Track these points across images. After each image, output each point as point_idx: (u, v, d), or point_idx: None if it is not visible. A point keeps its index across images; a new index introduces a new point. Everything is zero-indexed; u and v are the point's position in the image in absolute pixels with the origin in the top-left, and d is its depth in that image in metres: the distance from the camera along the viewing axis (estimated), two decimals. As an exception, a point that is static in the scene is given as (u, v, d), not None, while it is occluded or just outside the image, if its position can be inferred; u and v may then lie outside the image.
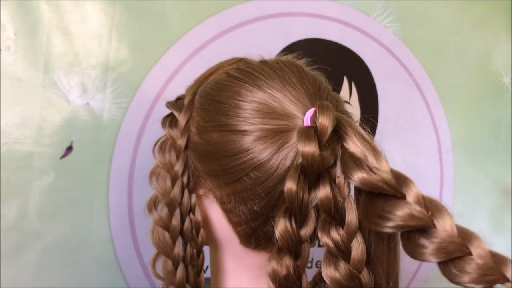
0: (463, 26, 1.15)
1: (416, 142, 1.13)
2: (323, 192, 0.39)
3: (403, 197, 0.33)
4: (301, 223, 0.40)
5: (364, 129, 0.41)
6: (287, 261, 0.40)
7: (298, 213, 0.39)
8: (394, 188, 0.34)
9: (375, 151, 0.37)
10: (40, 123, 0.76)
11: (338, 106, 0.47)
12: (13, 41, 0.74)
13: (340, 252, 0.39)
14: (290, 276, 0.40)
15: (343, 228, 0.39)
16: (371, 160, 0.36)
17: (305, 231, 0.40)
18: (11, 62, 0.74)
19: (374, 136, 1.06)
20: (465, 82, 1.18)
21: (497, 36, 1.20)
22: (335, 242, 0.39)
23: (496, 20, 1.20)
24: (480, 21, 1.17)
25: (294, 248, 0.40)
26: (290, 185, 0.38)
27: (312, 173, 0.39)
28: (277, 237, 0.39)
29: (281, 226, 0.39)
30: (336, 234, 0.39)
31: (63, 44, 0.77)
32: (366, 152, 0.37)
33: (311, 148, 0.38)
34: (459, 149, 1.17)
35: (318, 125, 0.39)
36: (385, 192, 0.34)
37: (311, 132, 0.39)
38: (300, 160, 0.39)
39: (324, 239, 0.39)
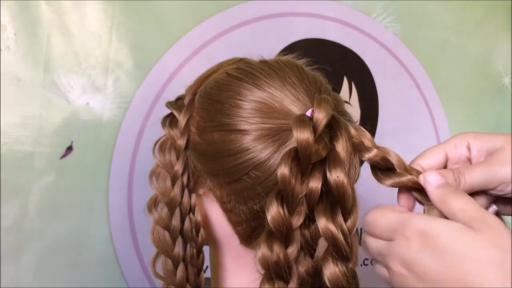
0: (463, 26, 1.15)
1: (416, 142, 1.12)
2: (314, 183, 0.39)
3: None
4: (291, 210, 0.39)
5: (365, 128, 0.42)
6: (277, 247, 0.39)
7: (290, 198, 0.39)
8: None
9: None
10: (40, 123, 0.76)
11: (338, 106, 0.47)
12: (13, 41, 0.74)
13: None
14: (281, 263, 0.39)
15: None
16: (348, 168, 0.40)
17: (296, 220, 0.40)
18: (11, 62, 0.74)
19: (374, 137, 1.06)
20: (465, 82, 1.18)
21: (497, 36, 1.20)
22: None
23: (496, 20, 1.20)
24: (480, 21, 1.17)
25: (285, 234, 0.39)
26: (283, 169, 0.38)
27: (305, 159, 0.39)
28: (268, 220, 0.38)
29: (274, 208, 0.38)
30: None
31: (63, 44, 0.77)
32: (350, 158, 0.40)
33: (305, 134, 0.38)
34: (459, 149, 1.17)
35: (314, 116, 0.40)
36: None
37: (306, 119, 0.40)
38: (293, 144, 0.39)
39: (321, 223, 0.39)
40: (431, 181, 0.38)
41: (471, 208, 0.35)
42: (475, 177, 0.38)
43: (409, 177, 0.40)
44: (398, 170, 0.40)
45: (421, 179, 0.39)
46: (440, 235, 0.33)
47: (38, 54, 0.76)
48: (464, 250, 0.32)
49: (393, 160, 0.40)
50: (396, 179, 0.40)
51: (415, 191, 0.41)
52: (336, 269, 0.38)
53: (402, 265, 0.35)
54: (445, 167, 0.42)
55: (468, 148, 0.41)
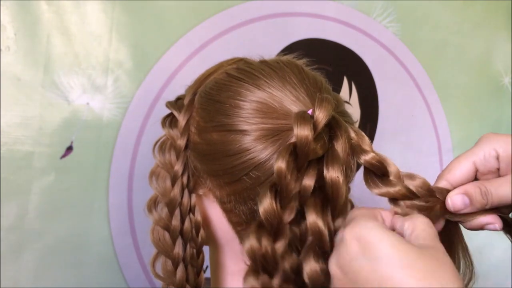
0: (463, 26, 1.15)
1: (416, 142, 1.12)
2: (308, 181, 0.39)
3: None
4: (284, 204, 0.39)
5: (364, 130, 0.42)
6: (266, 241, 0.38)
7: (283, 193, 0.39)
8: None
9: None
10: (40, 123, 0.76)
11: (338, 106, 0.47)
12: (13, 41, 0.74)
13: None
14: (268, 257, 0.38)
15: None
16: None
17: (287, 215, 0.39)
18: (11, 62, 0.74)
19: (374, 136, 1.06)
20: (465, 82, 1.18)
21: (497, 36, 1.20)
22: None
23: (496, 20, 1.20)
24: (480, 21, 1.17)
25: (275, 227, 0.39)
26: (280, 163, 0.38)
27: (302, 156, 0.39)
28: (260, 211, 0.38)
29: (267, 200, 0.38)
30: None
31: (63, 44, 0.77)
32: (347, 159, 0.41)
33: (306, 131, 0.38)
34: (459, 149, 1.17)
35: (314, 115, 0.40)
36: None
37: (307, 116, 0.40)
38: (293, 140, 0.39)
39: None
40: (456, 202, 0.39)
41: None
42: (502, 195, 0.38)
43: (397, 188, 0.40)
44: (391, 178, 0.40)
45: (448, 201, 0.39)
46: (379, 243, 0.34)
47: (38, 54, 0.76)
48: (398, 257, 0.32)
49: (390, 167, 0.40)
50: (384, 189, 0.40)
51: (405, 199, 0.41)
52: (317, 265, 0.38)
53: (338, 266, 0.36)
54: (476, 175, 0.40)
55: (498, 159, 0.39)
